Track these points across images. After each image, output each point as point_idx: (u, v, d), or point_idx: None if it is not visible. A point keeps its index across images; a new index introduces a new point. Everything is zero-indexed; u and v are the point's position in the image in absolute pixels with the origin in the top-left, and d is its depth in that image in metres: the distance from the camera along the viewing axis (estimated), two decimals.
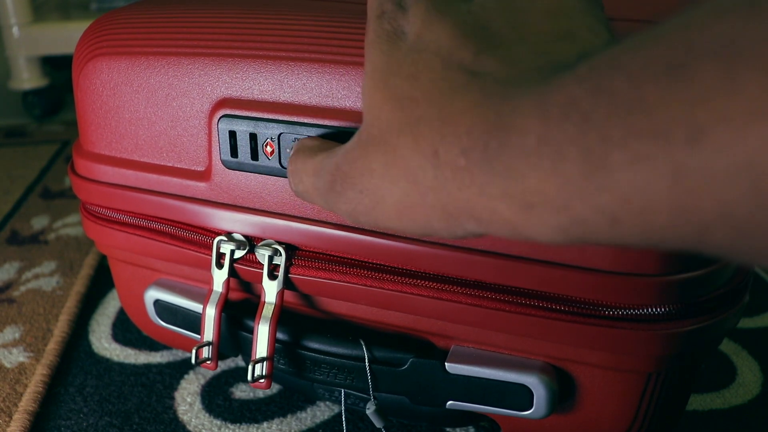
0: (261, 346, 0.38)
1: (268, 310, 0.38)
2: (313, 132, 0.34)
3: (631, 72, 0.16)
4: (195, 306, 0.41)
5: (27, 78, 1.06)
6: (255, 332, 0.38)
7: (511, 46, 0.23)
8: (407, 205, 0.23)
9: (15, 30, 1.03)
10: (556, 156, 0.18)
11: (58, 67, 1.23)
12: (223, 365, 0.49)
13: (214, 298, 0.39)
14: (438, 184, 0.22)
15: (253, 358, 0.38)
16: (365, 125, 0.25)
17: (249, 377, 0.38)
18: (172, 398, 0.47)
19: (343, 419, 0.44)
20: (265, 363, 0.38)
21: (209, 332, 0.40)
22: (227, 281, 0.39)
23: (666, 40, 0.16)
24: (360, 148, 0.25)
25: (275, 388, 0.47)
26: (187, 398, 0.46)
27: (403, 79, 0.23)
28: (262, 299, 0.38)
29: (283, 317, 0.39)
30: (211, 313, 0.39)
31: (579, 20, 0.24)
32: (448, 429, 0.43)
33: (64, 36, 1.04)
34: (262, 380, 0.38)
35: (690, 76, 0.15)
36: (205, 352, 0.40)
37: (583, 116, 0.17)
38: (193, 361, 0.39)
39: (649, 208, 0.16)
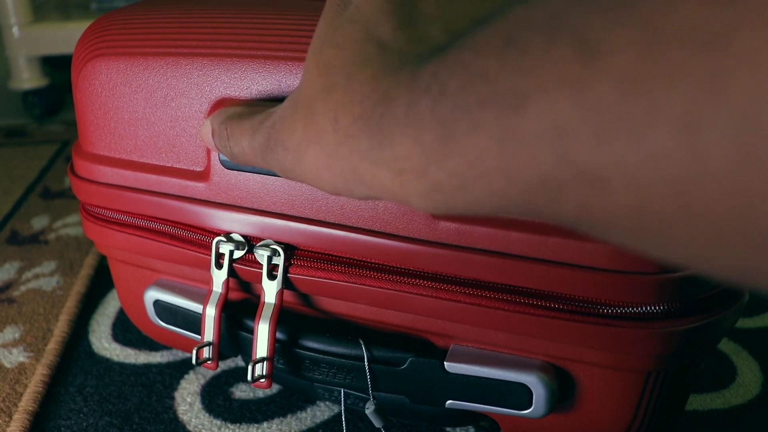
0: (261, 346, 0.38)
1: (267, 310, 0.38)
2: None
3: (479, 47, 0.18)
4: (195, 306, 0.41)
5: (27, 78, 1.06)
6: (255, 332, 0.38)
7: (429, 24, 0.24)
8: (318, 165, 0.25)
9: (15, 30, 1.03)
10: (417, 125, 0.19)
11: (58, 67, 1.23)
12: (223, 365, 0.49)
13: (213, 299, 0.39)
14: (336, 149, 0.23)
15: (253, 358, 0.38)
16: (298, 87, 0.26)
17: (249, 377, 0.38)
18: (172, 398, 0.47)
19: (343, 419, 0.44)
20: (265, 363, 0.38)
21: (209, 332, 0.40)
22: (227, 281, 0.39)
23: (512, 18, 0.17)
24: (290, 109, 0.26)
25: (275, 388, 0.47)
26: (187, 398, 0.46)
27: (332, 47, 0.25)
28: (262, 299, 0.38)
29: (282, 317, 0.39)
30: (211, 313, 0.39)
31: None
32: (447, 429, 0.43)
33: (64, 36, 1.04)
34: (262, 380, 0.38)
35: (522, 48, 0.16)
36: (206, 352, 0.40)
37: (441, 88, 0.19)
38: (193, 361, 0.39)
39: (486, 172, 0.18)
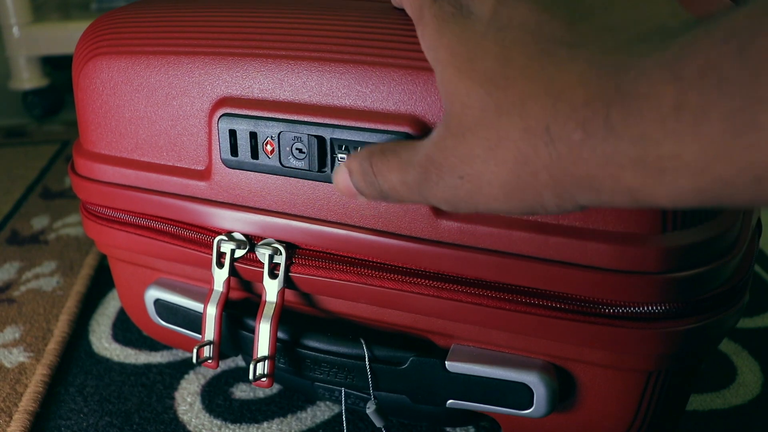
0: (262, 345, 0.38)
1: (269, 309, 0.38)
2: (313, 130, 0.33)
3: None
4: (195, 305, 0.41)
5: (27, 78, 1.06)
6: (256, 331, 0.38)
7: (599, 14, 0.22)
8: (516, 186, 0.23)
9: (15, 30, 1.03)
10: (697, 119, 0.18)
11: (59, 67, 1.23)
12: (223, 365, 0.49)
13: (214, 297, 0.39)
14: (551, 162, 0.22)
15: (254, 357, 0.38)
16: (453, 114, 0.24)
17: (251, 376, 0.38)
18: (173, 398, 0.47)
19: (344, 419, 0.44)
20: (266, 362, 0.38)
21: (210, 331, 0.40)
22: (228, 280, 0.39)
23: None
24: (454, 137, 0.24)
25: (275, 388, 0.47)
26: (188, 398, 0.46)
27: (492, 60, 0.23)
28: (263, 298, 0.38)
29: (283, 316, 0.39)
30: (212, 312, 0.39)
31: None
32: (448, 429, 0.43)
33: (64, 36, 1.04)
34: (263, 379, 0.38)
35: None
36: (206, 351, 0.40)
37: (725, 78, 0.17)
38: (194, 360, 0.39)
39: None
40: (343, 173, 0.30)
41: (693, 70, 0.18)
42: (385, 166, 0.28)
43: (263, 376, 0.38)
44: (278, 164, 0.35)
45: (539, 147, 0.22)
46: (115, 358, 0.51)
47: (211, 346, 0.40)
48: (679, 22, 0.22)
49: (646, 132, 0.19)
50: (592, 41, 0.22)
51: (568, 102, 0.21)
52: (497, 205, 0.24)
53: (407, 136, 0.32)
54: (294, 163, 0.35)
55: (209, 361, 0.40)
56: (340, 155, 0.34)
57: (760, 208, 0.44)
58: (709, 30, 0.18)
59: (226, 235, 0.38)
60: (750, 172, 0.17)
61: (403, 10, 0.35)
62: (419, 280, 0.35)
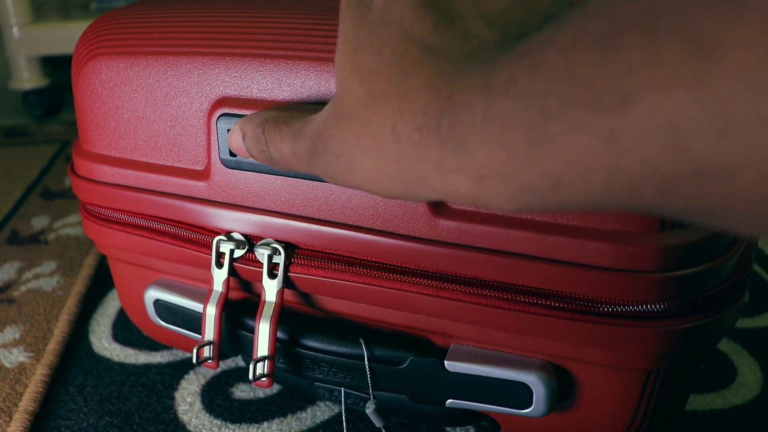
0: (262, 345, 0.38)
1: (268, 309, 0.38)
2: None
3: (563, 47, 0.17)
4: (195, 305, 0.41)
5: (27, 78, 1.06)
6: (256, 331, 0.38)
7: (469, 18, 0.23)
8: (374, 173, 0.25)
9: (15, 30, 1.03)
10: (501, 130, 0.19)
11: (59, 67, 1.23)
12: (223, 365, 0.49)
13: (214, 298, 0.39)
14: (398, 157, 0.23)
15: (254, 356, 0.38)
16: (338, 95, 0.26)
17: (250, 376, 0.38)
18: (173, 398, 0.47)
19: (343, 419, 0.44)
20: (266, 362, 0.38)
21: (210, 331, 0.40)
22: (227, 280, 0.39)
23: (594, 14, 0.17)
24: (336, 117, 0.26)
25: (275, 388, 0.47)
26: (188, 398, 0.46)
27: (368, 53, 0.24)
28: (263, 298, 0.38)
29: (282, 316, 0.39)
30: (211, 312, 0.39)
31: None
32: (448, 428, 0.43)
33: (64, 36, 1.04)
34: (263, 379, 0.38)
35: (616, 48, 0.16)
36: (206, 351, 0.40)
37: (522, 91, 0.18)
38: (194, 360, 0.39)
39: (587, 170, 0.18)
40: (236, 134, 0.32)
41: (500, 84, 0.19)
42: (277, 135, 0.29)
43: (263, 375, 0.38)
44: None
45: (389, 143, 0.23)
46: (115, 358, 0.51)
47: (211, 346, 0.40)
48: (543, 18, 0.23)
49: (463, 141, 0.20)
50: (449, 45, 0.23)
51: (410, 105, 0.22)
52: (364, 186, 0.26)
53: None
54: None
55: (209, 361, 0.40)
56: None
57: None
58: (515, 45, 0.19)
59: (225, 236, 0.38)
60: (548, 178, 0.18)
61: None
62: (418, 279, 0.35)
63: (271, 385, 0.39)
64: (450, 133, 0.21)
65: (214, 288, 0.39)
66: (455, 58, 0.22)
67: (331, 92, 0.33)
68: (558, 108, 0.17)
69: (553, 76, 0.17)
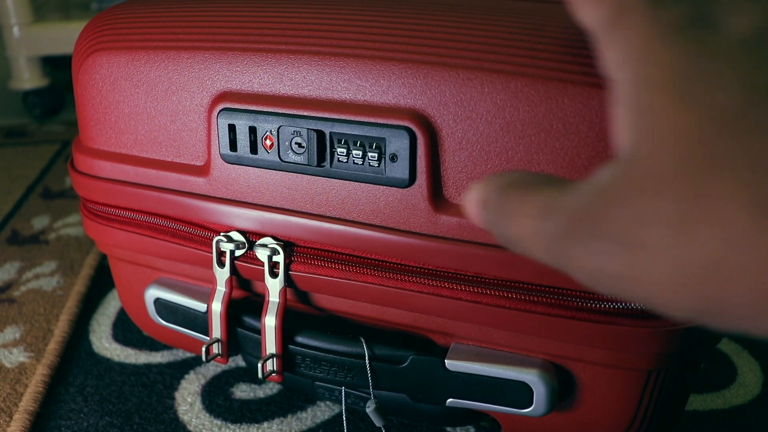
0: (270, 343, 0.38)
1: (272, 308, 0.38)
2: (313, 125, 0.33)
3: None
4: (196, 304, 0.41)
5: (27, 78, 1.06)
6: (262, 329, 0.38)
7: None
8: (713, 277, 0.16)
9: (15, 30, 1.03)
10: None
11: (59, 67, 1.23)
12: (224, 365, 0.49)
13: (218, 296, 0.39)
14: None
15: (263, 354, 0.39)
16: (645, 153, 0.17)
17: (260, 374, 0.38)
18: (173, 398, 0.47)
19: (344, 419, 0.44)
20: (275, 359, 0.38)
21: (217, 329, 0.40)
22: (230, 279, 0.39)
23: None
24: (627, 187, 0.17)
25: (276, 388, 0.47)
26: (188, 398, 0.46)
27: (738, 90, 0.16)
28: (266, 297, 0.38)
29: (284, 315, 0.39)
30: (217, 310, 0.39)
31: None
32: (448, 428, 0.43)
33: (64, 36, 1.04)
34: (274, 374, 0.39)
35: None
36: (215, 348, 0.40)
37: None
38: (204, 358, 0.40)
39: None
40: (474, 195, 0.23)
41: None
42: (521, 205, 0.21)
43: (272, 372, 0.38)
44: (277, 159, 0.35)
45: (749, 227, 0.15)
46: (116, 358, 0.51)
47: (219, 343, 0.40)
48: None
49: None
50: None
51: None
52: (648, 287, 0.17)
53: (407, 130, 0.31)
54: (293, 157, 0.35)
55: (219, 357, 0.41)
56: (339, 149, 0.34)
57: None
58: None
59: (224, 236, 0.38)
60: None
61: (404, 1, 0.35)
62: (419, 278, 0.35)
63: (282, 380, 0.39)
64: None
65: (218, 287, 0.39)
66: None
67: (331, 86, 0.33)
68: None
69: None
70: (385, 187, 0.34)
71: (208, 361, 0.41)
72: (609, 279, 0.18)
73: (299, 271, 0.37)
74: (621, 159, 0.19)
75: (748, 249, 0.15)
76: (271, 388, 0.47)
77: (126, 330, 0.54)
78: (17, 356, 0.51)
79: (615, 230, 0.18)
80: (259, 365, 0.38)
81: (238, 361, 0.50)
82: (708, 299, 0.16)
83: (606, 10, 0.20)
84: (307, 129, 0.34)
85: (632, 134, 0.18)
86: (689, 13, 0.18)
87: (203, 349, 0.40)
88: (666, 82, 0.17)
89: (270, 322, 0.38)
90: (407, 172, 0.32)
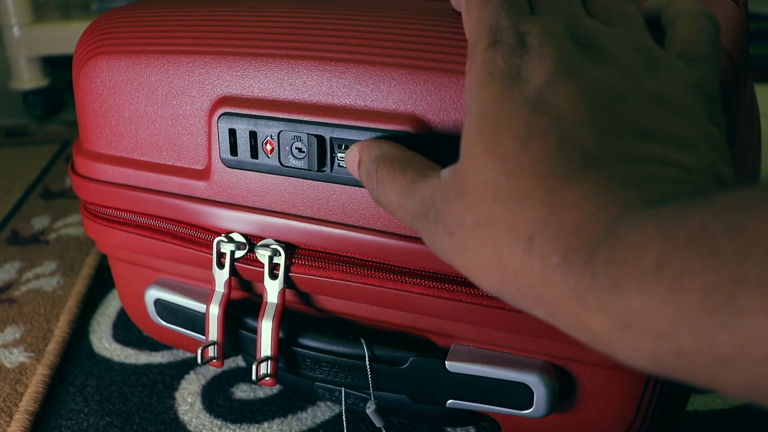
0: (265, 345, 0.38)
1: (270, 309, 0.38)
2: (313, 130, 0.33)
3: None
4: (196, 305, 0.41)
5: (28, 78, 1.06)
6: (258, 331, 0.38)
7: (636, 139, 0.21)
8: (486, 269, 0.22)
9: (15, 30, 1.03)
10: (674, 284, 0.17)
11: (59, 67, 1.23)
12: (224, 365, 0.49)
13: (216, 298, 0.39)
14: (522, 270, 0.20)
15: (257, 357, 0.38)
16: (464, 170, 0.23)
17: (254, 376, 0.38)
18: (173, 398, 0.47)
19: (344, 419, 0.44)
20: (269, 362, 0.38)
21: (213, 332, 0.40)
22: (229, 281, 0.39)
23: None
24: (456, 193, 0.23)
25: (276, 388, 0.47)
26: (188, 398, 0.46)
27: (513, 139, 0.21)
28: (265, 299, 0.38)
29: (283, 316, 0.39)
30: (214, 312, 0.39)
31: (701, 127, 0.23)
32: (448, 429, 0.43)
33: (64, 36, 1.04)
34: (267, 378, 0.38)
35: None
36: (210, 351, 0.40)
37: (713, 250, 0.16)
38: (199, 360, 0.39)
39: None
40: (354, 156, 0.30)
41: (684, 235, 0.17)
42: (389, 179, 0.27)
43: (266, 375, 0.38)
44: (278, 164, 0.35)
45: (516, 251, 0.21)
46: (116, 359, 0.51)
47: (215, 346, 0.40)
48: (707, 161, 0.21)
49: (622, 282, 0.18)
50: (614, 163, 0.20)
51: (559, 221, 0.20)
52: (468, 274, 0.23)
53: (408, 135, 0.32)
54: (293, 162, 0.35)
55: (214, 360, 0.40)
56: (339, 154, 0.34)
57: None
58: (711, 198, 0.17)
59: (225, 237, 0.38)
60: (715, 351, 0.16)
61: (405, 7, 0.35)
62: (419, 280, 0.35)
63: (275, 384, 0.39)
64: (605, 269, 0.18)
65: (216, 288, 0.39)
66: (624, 183, 0.19)
67: (332, 92, 0.33)
68: (758, 281, 0.15)
69: (759, 245, 0.15)
70: None
71: (203, 364, 0.40)
72: (439, 251, 0.24)
73: (299, 273, 0.37)
74: (456, 166, 0.24)
75: (505, 262, 0.21)
76: (271, 389, 0.47)
77: (126, 330, 0.54)
78: (17, 356, 0.51)
79: (445, 220, 0.24)
80: (253, 368, 0.38)
81: (238, 361, 0.50)
82: (501, 283, 0.22)
83: (471, 38, 0.25)
84: (308, 134, 0.34)
85: (460, 150, 0.24)
86: (510, 67, 0.23)
87: (198, 351, 0.39)
88: (476, 117, 0.23)
89: (266, 323, 0.38)
90: None
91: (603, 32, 0.25)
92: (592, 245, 0.19)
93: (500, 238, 0.21)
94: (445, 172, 0.24)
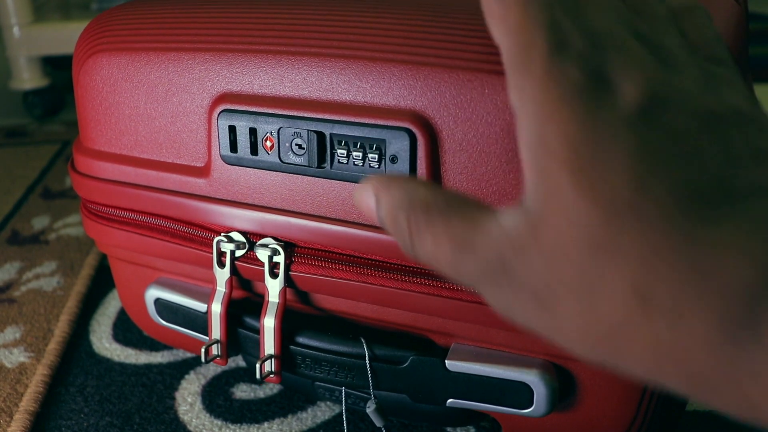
0: (268, 344, 0.38)
1: (272, 308, 0.38)
2: (313, 126, 0.33)
3: None
4: (196, 304, 0.41)
5: (28, 78, 1.06)
6: (261, 330, 0.38)
7: (750, 161, 0.17)
8: (585, 332, 0.18)
9: (16, 30, 1.03)
10: None
11: (59, 67, 1.23)
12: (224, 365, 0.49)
13: (218, 297, 0.39)
14: (654, 337, 0.17)
15: (261, 355, 0.38)
16: (545, 217, 0.18)
17: (258, 375, 0.38)
18: (173, 398, 0.47)
19: (344, 419, 0.44)
20: (273, 360, 0.38)
21: (216, 330, 0.40)
22: (230, 280, 0.39)
23: None
24: (536, 246, 0.18)
25: (276, 388, 0.47)
26: (188, 398, 0.46)
27: (626, 176, 0.17)
28: (266, 297, 0.38)
29: (284, 315, 0.39)
30: (217, 311, 0.39)
31: None
32: (448, 429, 0.43)
33: (64, 36, 1.04)
34: (272, 375, 0.38)
35: None
36: (214, 349, 0.40)
37: None
38: (203, 359, 0.40)
39: None
40: (368, 195, 0.24)
41: None
42: (429, 234, 0.22)
43: (270, 373, 0.38)
44: (278, 160, 0.35)
45: (627, 306, 0.17)
46: (116, 358, 0.51)
47: (218, 344, 0.40)
48: None
49: None
50: (747, 196, 0.17)
51: (716, 279, 0.16)
52: (566, 341, 0.19)
53: (407, 132, 0.32)
54: (293, 159, 0.35)
55: (218, 358, 0.41)
56: (339, 151, 0.34)
57: None
58: None
59: (224, 236, 0.38)
60: None
61: (405, 2, 0.35)
62: (419, 278, 0.35)
63: (280, 381, 0.39)
64: (756, 336, 0.15)
65: (218, 288, 0.39)
66: (764, 219, 0.16)
67: (332, 88, 0.33)
68: None
69: None
70: None
71: (207, 362, 0.41)
72: (517, 313, 0.20)
73: (300, 272, 0.37)
74: (523, 206, 0.19)
75: (633, 331, 0.17)
76: (271, 389, 0.47)
77: (126, 330, 0.54)
78: (17, 356, 0.51)
79: (528, 282, 0.19)
80: (257, 366, 0.38)
81: (238, 361, 0.50)
82: (611, 355, 0.18)
83: (514, 48, 0.19)
84: (308, 130, 0.34)
85: (530, 185, 0.19)
86: (591, 75, 0.18)
87: (202, 350, 0.40)
88: (562, 154, 0.18)
89: (269, 322, 0.38)
90: (407, 173, 0.32)
91: (656, 32, 0.21)
92: (746, 307, 0.15)
93: (597, 293, 0.17)
94: (511, 219, 0.19)
